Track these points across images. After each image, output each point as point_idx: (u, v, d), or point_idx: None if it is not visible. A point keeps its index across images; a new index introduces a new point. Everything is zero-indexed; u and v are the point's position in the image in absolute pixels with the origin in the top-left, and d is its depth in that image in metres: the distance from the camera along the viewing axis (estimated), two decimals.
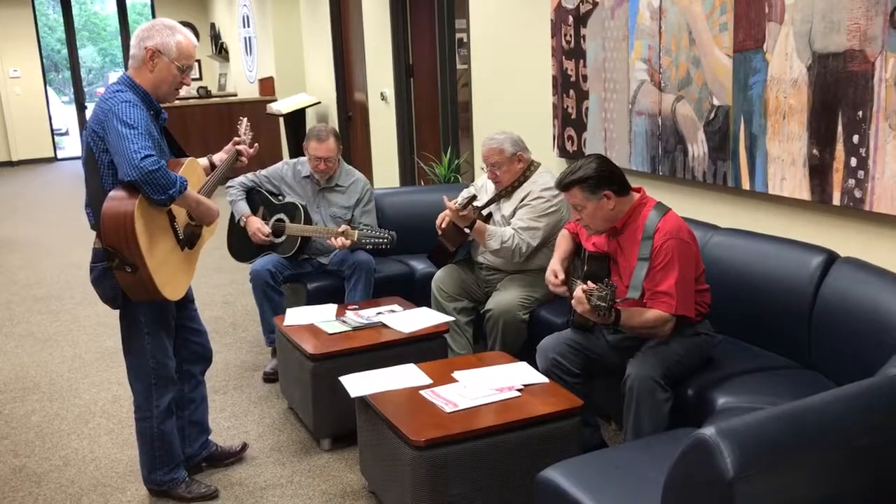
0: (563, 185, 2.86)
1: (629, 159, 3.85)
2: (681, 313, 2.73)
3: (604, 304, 2.53)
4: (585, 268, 2.92)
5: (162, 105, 2.81)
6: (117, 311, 2.86)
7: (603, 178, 2.81)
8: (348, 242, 3.92)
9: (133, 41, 2.75)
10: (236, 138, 3.21)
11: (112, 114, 2.57)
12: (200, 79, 13.21)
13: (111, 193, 2.60)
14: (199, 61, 12.14)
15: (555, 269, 3.14)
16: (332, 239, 3.97)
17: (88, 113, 13.82)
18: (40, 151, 13.41)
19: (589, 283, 2.63)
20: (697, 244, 2.86)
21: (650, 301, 2.75)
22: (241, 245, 4.29)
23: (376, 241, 3.95)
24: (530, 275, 3.71)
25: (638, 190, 2.93)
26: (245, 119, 3.38)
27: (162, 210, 2.68)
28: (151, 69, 2.72)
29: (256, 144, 3.23)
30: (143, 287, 2.64)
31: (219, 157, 3.11)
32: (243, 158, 3.18)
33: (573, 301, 2.68)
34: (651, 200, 2.89)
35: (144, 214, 2.59)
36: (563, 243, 3.25)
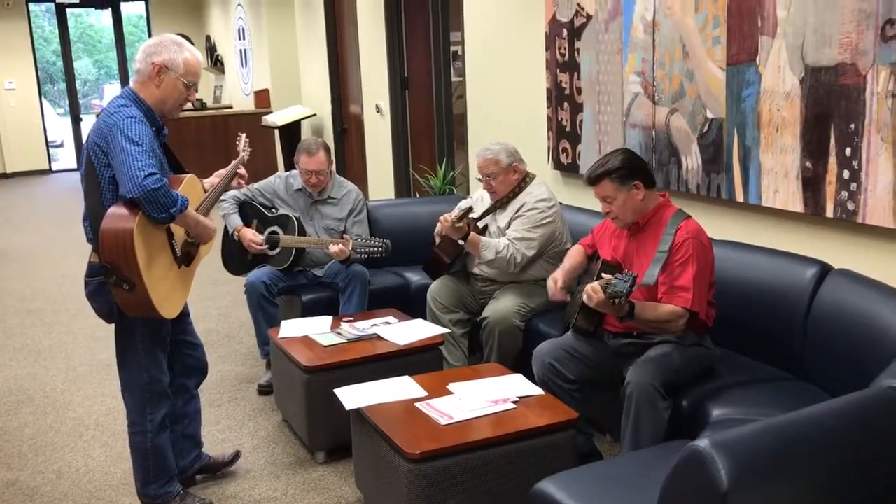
0: (593, 178, 2.88)
1: None
2: (695, 309, 2.74)
3: (622, 290, 2.51)
4: (598, 272, 2.92)
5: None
6: (112, 325, 2.86)
7: (632, 168, 2.85)
8: (347, 250, 3.93)
9: (139, 56, 2.75)
10: (241, 157, 3.23)
11: (117, 129, 2.57)
12: (196, 91, 13.22)
13: (111, 210, 2.59)
14: None
15: (556, 277, 3.13)
16: (331, 247, 3.97)
17: (84, 125, 13.87)
18: (35, 163, 13.38)
19: (604, 275, 2.64)
20: (714, 255, 2.88)
21: (666, 296, 2.76)
22: (235, 258, 4.29)
23: (371, 249, 3.96)
24: (526, 285, 3.72)
25: (663, 194, 2.96)
26: (244, 135, 3.40)
27: (161, 228, 2.68)
28: (158, 84, 2.72)
29: (243, 171, 3.24)
30: (140, 304, 2.63)
31: (210, 182, 3.09)
32: (241, 181, 3.20)
33: (585, 296, 2.67)
34: (674, 206, 2.93)
35: (144, 232, 2.59)
36: (571, 258, 3.24)
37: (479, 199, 3.97)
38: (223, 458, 3.26)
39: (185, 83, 2.76)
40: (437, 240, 3.81)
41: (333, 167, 4.31)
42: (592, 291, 2.63)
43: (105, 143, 2.60)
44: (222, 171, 3.15)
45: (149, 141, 2.60)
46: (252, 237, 4.12)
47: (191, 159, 8.93)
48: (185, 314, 3.01)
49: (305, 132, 8.96)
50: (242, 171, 3.18)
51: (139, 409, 2.86)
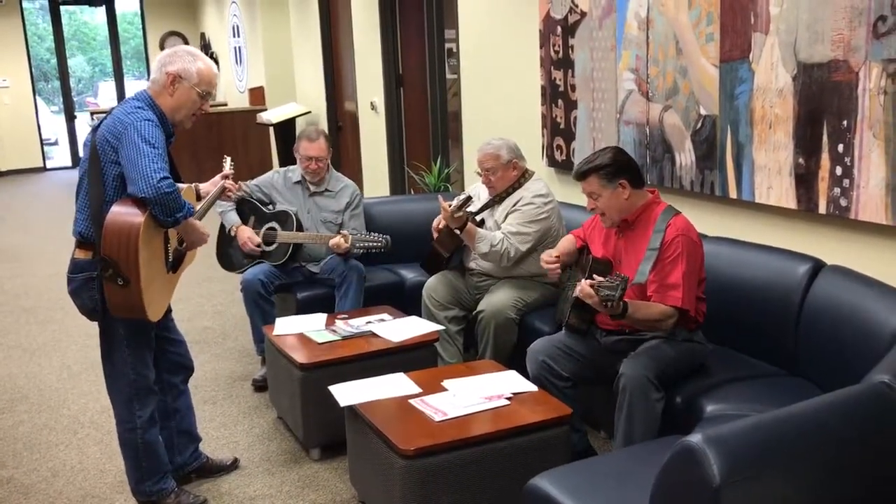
0: (580, 173, 2.89)
1: None
2: (686, 307, 2.75)
3: (615, 293, 2.53)
4: (589, 269, 2.93)
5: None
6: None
7: (619, 166, 2.85)
8: (346, 244, 3.93)
9: (155, 66, 2.80)
10: (224, 173, 3.30)
11: (133, 128, 2.59)
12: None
13: (118, 206, 2.61)
14: None
15: (550, 251, 3.17)
16: (331, 240, 3.98)
17: (78, 123, 13.79)
18: (29, 161, 13.35)
19: (595, 276, 2.65)
20: (703, 250, 2.89)
21: (657, 294, 2.77)
22: (230, 255, 4.29)
23: (370, 244, 3.96)
24: (521, 280, 3.73)
25: (652, 191, 2.96)
26: (230, 158, 3.48)
27: (160, 231, 2.71)
28: (172, 93, 2.76)
29: (235, 183, 3.32)
30: (130, 302, 2.64)
31: (205, 189, 3.15)
32: (229, 194, 3.27)
33: (580, 294, 2.68)
34: (663, 202, 2.93)
35: (148, 232, 2.62)
36: (564, 242, 3.28)
37: (475, 193, 3.97)
38: (221, 463, 3.27)
39: (199, 92, 2.79)
40: (439, 228, 3.81)
41: (330, 156, 4.32)
42: (587, 295, 2.64)
43: (117, 140, 2.62)
44: (217, 179, 3.19)
45: (162, 145, 2.64)
46: (249, 235, 4.12)
47: (185, 157, 8.93)
48: (167, 311, 3.01)
49: (300, 130, 8.95)
50: (229, 183, 3.23)
51: (126, 406, 2.87)
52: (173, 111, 2.78)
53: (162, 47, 12.54)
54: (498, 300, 3.60)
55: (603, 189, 2.85)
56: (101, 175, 2.66)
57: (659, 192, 3.02)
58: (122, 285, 2.60)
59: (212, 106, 12.03)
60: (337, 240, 3.97)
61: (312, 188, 4.25)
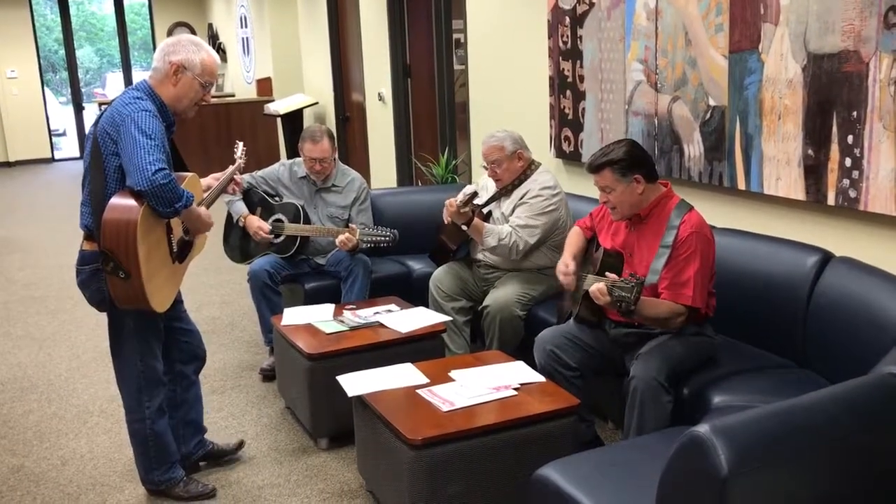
0: (595, 166, 2.86)
1: None
2: (697, 305, 2.74)
3: (629, 295, 2.52)
4: (601, 263, 2.92)
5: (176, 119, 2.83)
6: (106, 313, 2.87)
7: (634, 161, 2.82)
8: (354, 238, 3.93)
9: (157, 55, 2.79)
10: (238, 164, 3.29)
11: (130, 119, 2.59)
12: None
13: (116, 199, 2.61)
14: None
15: (566, 261, 3.11)
16: (338, 237, 3.98)
17: (86, 114, 13.83)
18: (38, 152, 13.40)
19: (609, 274, 2.63)
20: (715, 245, 2.88)
21: (668, 291, 2.76)
22: (237, 246, 4.30)
23: (378, 239, 3.96)
24: (528, 273, 3.73)
25: (665, 184, 2.94)
26: (241, 143, 3.45)
27: (161, 222, 2.70)
28: (175, 83, 2.76)
29: (241, 177, 3.30)
30: (133, 294, 2.64)
31: (206, 183, 3.10)
32: (236, 188, 3.24)
33: (592, 293, 2.68)
34: (677, 196, 2.91)
35: (146, 224, 2.61)
36: (573, 240, 3.24)
37: (483, 186, 3.97)
38: (227, 446, 3.28)
39: (201, 83, 2.79)
40: (446, 221, 3.82)
41: (336, 154, 4.30)
42: (599, 293, 2.63)
43: (116, 132, 2.61)
44: (218, 175, 3.18)
45: (160, 136, 2.63)
46: (259, 225, 4.12)
47: (193, 147, 8.95)
48: (177, 301, 3.01)
49: (308, 120, 8.96)
50: (238, 177, 3.23)
51: (135, 397, 2.88)
52: (176, 101, 2.78)
53: None
54: (503, 296, 3.60)
55: (617, 183, 2.83)
56: (102, 167, 2.66)
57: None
58: (123, 278, 2.60)
59: (219, 96, 12.04)
60: (344, 237, 3.96)
61: (319, 183, 4.25)
